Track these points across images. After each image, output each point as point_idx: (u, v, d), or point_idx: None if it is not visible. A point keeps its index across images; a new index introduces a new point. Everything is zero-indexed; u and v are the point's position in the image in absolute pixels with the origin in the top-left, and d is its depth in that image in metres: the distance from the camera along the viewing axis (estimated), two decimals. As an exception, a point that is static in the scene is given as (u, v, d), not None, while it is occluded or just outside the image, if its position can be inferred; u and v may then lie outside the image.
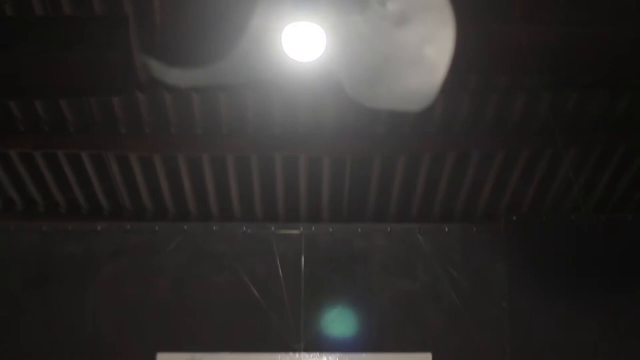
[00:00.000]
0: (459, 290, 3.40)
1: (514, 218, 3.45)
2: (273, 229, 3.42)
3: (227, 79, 2.69)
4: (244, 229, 3.43)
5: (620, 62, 3.48)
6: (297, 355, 3.33)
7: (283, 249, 3.41)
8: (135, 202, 3.63)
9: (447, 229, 3.43)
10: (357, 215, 3.43)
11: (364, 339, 3.36)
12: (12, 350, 3.32)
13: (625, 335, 3.39)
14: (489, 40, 3.34)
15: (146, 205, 3.52)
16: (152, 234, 3.41)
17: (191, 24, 3.18)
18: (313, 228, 3.43)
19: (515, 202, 3.48)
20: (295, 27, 3.27)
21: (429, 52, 2.73)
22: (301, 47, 3.31)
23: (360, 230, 3.43)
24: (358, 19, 2.76)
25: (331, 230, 3.43)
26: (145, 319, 3.37)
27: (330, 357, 3.33)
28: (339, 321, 3.36)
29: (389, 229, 3.43)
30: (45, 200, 3.69)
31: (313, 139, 4.41)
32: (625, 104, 4.31)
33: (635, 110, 4.31)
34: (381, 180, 3.40)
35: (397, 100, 2.59)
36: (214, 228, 3.42)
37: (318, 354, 3.33)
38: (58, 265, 3.40)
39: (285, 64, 3.27)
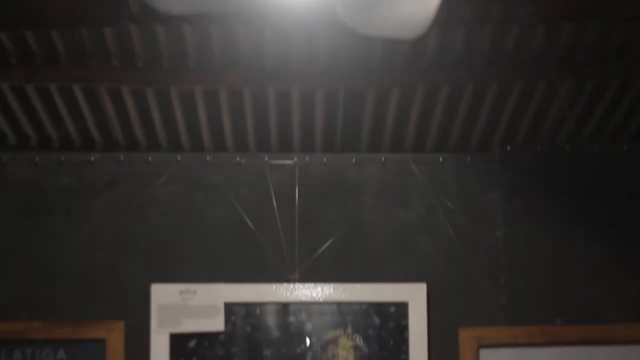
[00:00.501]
0: (453, 220, 3.41)
1: (508, 148, 3.44)
2: (266, 159, 3.41)
3: (219, 9, 2.65)
4: (237, 159, 3.41)
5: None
6: (292, 285, 3.35)
7: (276, 179, 3.41)
8: (128, 136, 3.61)
9: (441, 159, 3.43)
10: (351, 145, 3.42)
11: (358, 269, 3.37)
12: (5, 281, 3.32)
13: (619, 265, 3.41)
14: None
15: (138, 139, 3.50)
16: (145, 164, 3.40)
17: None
18: (307, 158, 3.42)
19: (509, 133, 3.47)
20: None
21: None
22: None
23: (354, 160, 3.42)
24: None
25: (325, 160, 3.42)
26: (139, 249, 3.37)
27: (324, 287, 3.35)
28: (333, 251, 3.37)
29: (383, 159, 3.42)
30: (37, 134, 3.67)
31: (306, 72, 4.39)
32: (620, 35, 4.29)
33: (630, 41, 4.29)
34: (374, 112, 3.38)
35: (391, 27, 2.56)
36: (207, 158, 3.41)
37: (312, 285, 3.35)
38: (51, 196, 3.39)
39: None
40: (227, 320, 3.31)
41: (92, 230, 3.35)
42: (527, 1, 3.40)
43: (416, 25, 2.45)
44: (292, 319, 3.31)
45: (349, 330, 3.31)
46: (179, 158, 3.40)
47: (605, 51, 4.24)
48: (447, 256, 3.37)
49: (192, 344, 3.30)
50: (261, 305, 3.32)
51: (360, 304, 3.32)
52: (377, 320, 3.31)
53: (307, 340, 3.30)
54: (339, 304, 3.32)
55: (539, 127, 3.45)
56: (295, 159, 3.42)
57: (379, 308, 3.32)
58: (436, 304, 3.33)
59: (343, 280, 3.32)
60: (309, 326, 3.31)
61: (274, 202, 3.36)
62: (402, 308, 3.32)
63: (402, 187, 3.41)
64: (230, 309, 3.31)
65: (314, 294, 3.32)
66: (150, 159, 3.39)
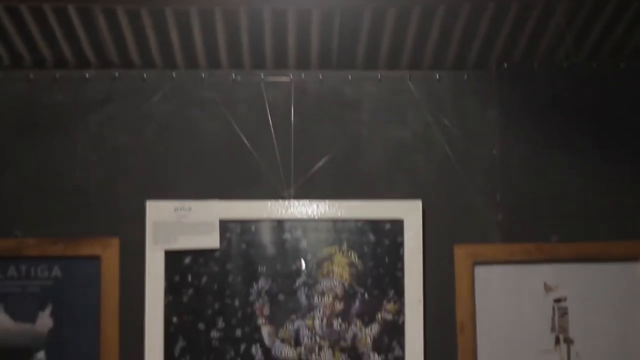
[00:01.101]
0: (449, 137, 3.40)
1: (505, 66, 3.42)
2: (262, 75, 3.39)
3: None
4: (233, 76, 3.39)
5: None
6: (287, 202, 3.34)
7: (272, 96, 3.39)
8: (122, 55, 3.56)
9: (438, 76, 3.41)
10: (347, 62, 3.38)
11: (353, 186, 3.36)
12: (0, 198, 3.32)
13: (614, 182, 3.40)
14: None
15: (133, 59, 3.46)
16: (140, 81, 3.38)
17: None
18: (302, 75, 3.40)
19: (507, 51, 3.43)
20: None
21: None
22: None
23: (350, 77, 3.40)
24: None
25: (321, 77, 3.40)
26: (134, 166, 3.36)
27: (319, 205, 3.34)
28: (328, 168, 3.36)
29: (379, 76, 3.40)
30: (31, 55, 3.62)
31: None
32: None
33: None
34: (371, 31, 3.33)
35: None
36: (202, 75, 3.38)
37: (307, 202, 3.34)
38: (46, 113, 3.38)
39: None
40: (222, 237, 3.31)
41: (87, 147, 3.34)
42: None
43: None
44: (287, 236, 3.31)
45: (345, 247, 3.32)
46: (174, 75, 3.38)
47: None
48: (443, 173, 3.36)
49: (187, 260, 3.31)
50: (256, 222, 3.32)
51: (356, 221, 3.32)
52: (372, 238, 3.31)
53: (303, 258, 3.30)
54: (335, 221, 3.31)
55: (536, 45, 3.41)
56: (291, 75, 3.39)
57: (375, 225, 3.32)
58: (432, 221, 3.33)
59: (338, 198, 3.31)
60: (304, 243, 3.31)
61: (270, 119, 3.35)
62: (397, 225, 3.32)
63: (398, 104, 3.39)
64: (225, 225, 3.31)
65: (309, 211, 3.32)
66: (145, 76, 3.37)
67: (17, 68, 3.37)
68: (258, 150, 3.33)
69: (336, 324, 3.28)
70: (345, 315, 3.29)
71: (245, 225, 3.30)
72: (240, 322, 3.28)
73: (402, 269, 3.29)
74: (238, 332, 3.28)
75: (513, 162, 3.36)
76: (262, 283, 3.29)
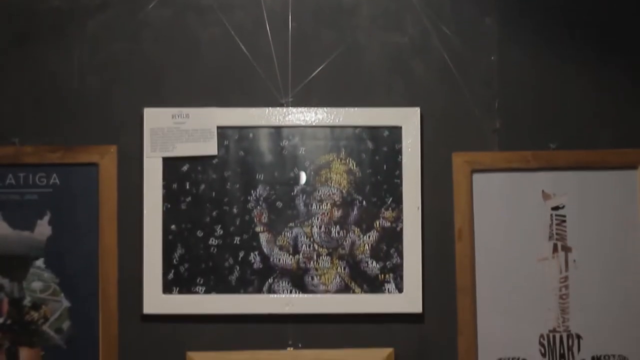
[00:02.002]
0: (447, 44, 3.38)
1: (505, -27, 3.39)
2: (259, -19, 3.36)
3: None
4: (230, -19, 3.36)
5: None
6: (285, 109, 3.33)
7: (270, 2, 3.36)
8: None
9: (436, -18, 3.38)
10: (346, -32, 3.35)
11: (351, 93, 3.35)
12: (-1, 108, 3.32)
13: (614, 90, 3.39)
14: None
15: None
16: (138, -14, 3.35)
17: None
18: (300, -20, 3.37)
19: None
20: None
21: None
22: None
23: (348, -18, 3.37)
24: None
25: (319, -18, 3.37)
26: (131, 73, 3.35)
27: (317, 111, 3.34)
28: (326, 75, 3.35)
29: (378, -18, 3.38)
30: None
31: None
32: None
33: None
34: None
35: None
36: (199, -19, 3.35)
37: (305, 108, 3.33)
38: (42, 20, 3.36)
39: None
40: (220, 144, 3.30)
41: (84, 54, 3.32)
42: None
43: None
44: (285, 143, 3.31)
45: (343, 154, 3.31)
46: (170, -19, 3.35)
47: None
48: (441, 81, 3.35)
49: (184, 168, 3.31)
50: (254, 129, 3.31)
51: (354, 128, 3.31)
52: (370, 145, 3.31)
53: (300, 165, 3.29)
54: (332, 128, 3.31)
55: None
56: (289, -19, 3.37)
57: (373, 132, 3.31)
58: (430, 128, 3.33)
59: (336, 105, 3.30)
60: (302, 150, 3.31)
61: (267, 24, 3.33)
62: (395, 132, 3.31)
63: (397, 9, 3.37)
64: (223, 132, 3.31)
65: (307, 118, 3.31)
66: (141, -19, 3.34)
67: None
68: (256, 57, 3.32)
69: (334, 231, 3.29)
70: (343, 223, 3.29)
71: (243, 132, 3.30)
72: (239, 230, 3.28)
73: (400, 177, 3.29)
74: (236, 240, 3.28)
75: (512, 69, 3.34)
76: (260, 190, 3.29)
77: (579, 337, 3.34)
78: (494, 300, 3.32)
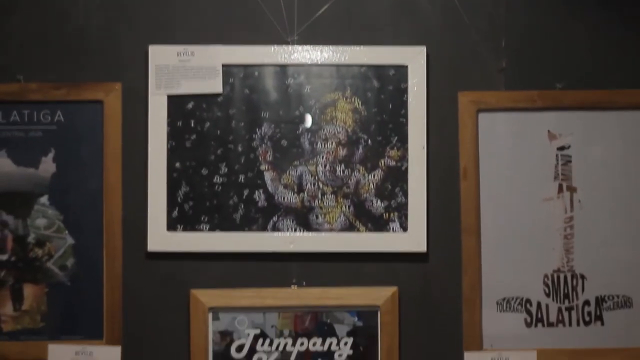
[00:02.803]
0: (455, -18, 3.36)
1: None
2: None
3: None
4: None
5: None
6: (290, 47, 3.32)
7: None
8: None
9: None
10: None
11: (357, 31, 3.34)
12: (1, 44, 3.30)
13: (622, 29, 3.37)
14: None
15: None
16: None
17: None
18: None
19: None
20: None
21: None
22: None
23: None
24: None
25: None
26: (137, 10, 3.34)
27: (323, 50, 3.33)
28: (332, 13, 3.33)
29: None
30: None
31: None
32: None
33: None
34: None
35: None
36: None
37: (311, 47, 3.32)
38: (46, -44, 3.33)
39: None
40: (225, 82, 3.29)
41: (89, -10, 3.30)
42: None
43: None
44: (290, 81, 3.30)
45: (348, 93, 3.30)
46: None
47: None
48: (447, 19, 3.34)
49: (190, 105, 3.30)
50: (259, 67, 3.30)
51: (360, 66, 3.30)
52: (376, 84, 3.30)
53: (306, 104, 3.29)
54: (338, 67, 3.30)
55: None
56: None
57: (379, 71, 3.30)
58: (436, 67, 3.32)
59: (342, 43, 3.29)
60: (307, 89, 3.30)
61: (273, -39, 3.31)
62: (401, 71, 3.30)
63: (403, -52, 3.34)
64: (228, 70, 3.30)
65: (313, 56, 3.30)
66: None
67: None
68: (261, -7, 3.30)
69: (339, 170, 3.28)
70: (348, 162, 3.29)
71: (249, 70, 3.28)
72: (243, 168, 3.28)
73: (405, 116, 3.28)
74: (241, 178, 3.28)
75: (519, 8, 3.33)
76: (265, 129, 3.28)
77: (583, 277, 3.34)
78: (499, 240, 3.31)
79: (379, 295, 3.29)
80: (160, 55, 3.28)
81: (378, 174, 3.30)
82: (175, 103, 3.29)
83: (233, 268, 3.31)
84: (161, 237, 3.28)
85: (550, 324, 3.32)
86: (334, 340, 3.30)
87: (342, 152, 3.30)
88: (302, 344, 3.31)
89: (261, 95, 3.30)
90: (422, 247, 3.29)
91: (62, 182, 3.28)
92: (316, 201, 3.30)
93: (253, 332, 3.30)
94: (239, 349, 3.30)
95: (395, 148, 3.30)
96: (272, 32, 3.31)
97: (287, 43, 3.30)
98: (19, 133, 3.29)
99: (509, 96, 3.31)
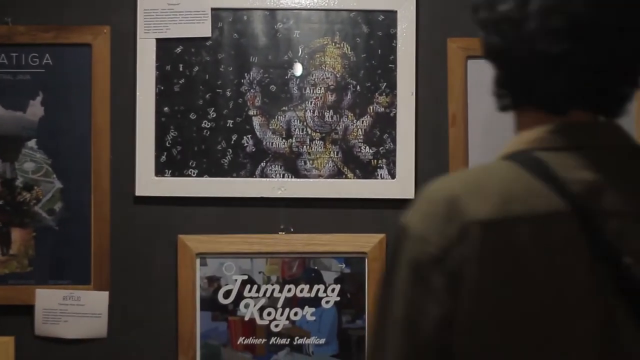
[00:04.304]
0: None
1: None
2: None
3: None
4: None
5: None
6: (280, -8, 3.29)
7: None
8: None
9: None
10: None
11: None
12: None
13: None
14: None
15: None
16: None
17: None
18: None
19: None
20: None
21: None
22: None
23: None
24: None
25: None
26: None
27: (312, -6, 3.30)
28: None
29: None
30: None
31: None
32: None
33: None
34: None
35: None
36: None
37: (301, -8, 3.29)
38: None
39: None
40: (214, 26, 3.28)
41: None
42: None
43: None
44: (279, 25, 3.28)
45: (337, 38, 3.29)
46: None
47: None
48: (438, -35, 3.30)
49: (178, 50, 3.29)
50: (248, 11, 3.29)
51: (349, 11, 3.29)
52: (365, 29, 3.29)
53: (294, 48, 3.27)
54: (327, 12, 3.29)
55: None
56: None
57: (368, 16, 3.29)
58: (425, 13, 3.30)
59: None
60: (296, 34, 3.29)
61: None
62: (390, 17, 3.29)
63: None
64: (217, 14, 3.28)
65: (302, 0, 3.29)
66: None
67: None
68: (251, -62, 3.27)
69: (328, 115, 3.28)
70: (337, 107, 3.28)
71: (237, 15, 3.27)
72: (232, 113, 3.27)
73: (394, 62, 3.27)
74: (229, 123, 3.27)
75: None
76: (254, 74, 3.27)
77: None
78: (487, 186, 3.30)
79: (367, 242, 3.29)
80: (148, -1, 3.26)
81: (367, 120, 3.29)
82: (164, 47, 3.28)
83: (221, 213, 3.31)
84: (149, 182, 3.28)
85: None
86: (322, 287, 3.30)
87: (330, 97, 3.29)
88: (289, 290, 3.31)
89: (250, 40, 3.29)
90: (410, 194, 3.29)
91: (50, 126, 3.28)
92: (305, 147, 3.29)
93: (240, 278, 3.30)
94: (227, 294, 3.30)
95: (384, 94, 3.29)
96: (262, -24, 3.29)
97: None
98: (7, 76, 3.29)
99: (499, 43, 3.28)
